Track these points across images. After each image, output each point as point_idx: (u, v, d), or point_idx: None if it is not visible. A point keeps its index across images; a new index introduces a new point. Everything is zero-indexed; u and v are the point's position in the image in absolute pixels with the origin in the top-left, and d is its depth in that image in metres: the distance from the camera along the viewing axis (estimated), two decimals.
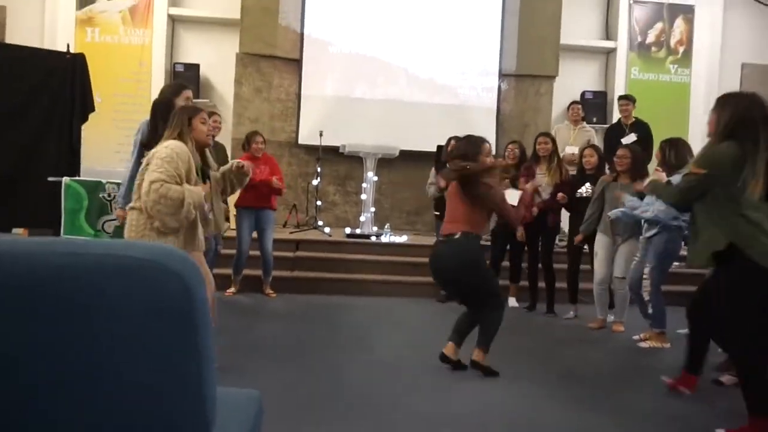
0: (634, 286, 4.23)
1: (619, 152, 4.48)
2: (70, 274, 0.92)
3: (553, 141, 5.08)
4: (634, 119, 6.07)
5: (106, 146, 7.08)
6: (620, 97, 6.36)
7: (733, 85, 8.05)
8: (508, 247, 5.18)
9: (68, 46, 5.50)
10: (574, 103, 6.67)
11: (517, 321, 4.80)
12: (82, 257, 0.93)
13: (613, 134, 6.12)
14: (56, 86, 5.01)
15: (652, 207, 3.88)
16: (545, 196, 4.90)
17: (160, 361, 0.95)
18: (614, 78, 8.11)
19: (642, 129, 5.95)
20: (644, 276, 4.16)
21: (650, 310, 4.10)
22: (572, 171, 5.17)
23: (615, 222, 4.30)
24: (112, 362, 0.92)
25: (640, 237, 4.21)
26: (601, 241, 4.49)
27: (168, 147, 2.67)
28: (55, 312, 0.91)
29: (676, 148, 3.84)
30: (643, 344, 4.09)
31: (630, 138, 5.72)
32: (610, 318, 4.60)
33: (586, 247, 4.80)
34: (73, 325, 0.91)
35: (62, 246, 0.96)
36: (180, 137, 2.76)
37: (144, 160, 2.76)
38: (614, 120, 7.78)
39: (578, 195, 4.76)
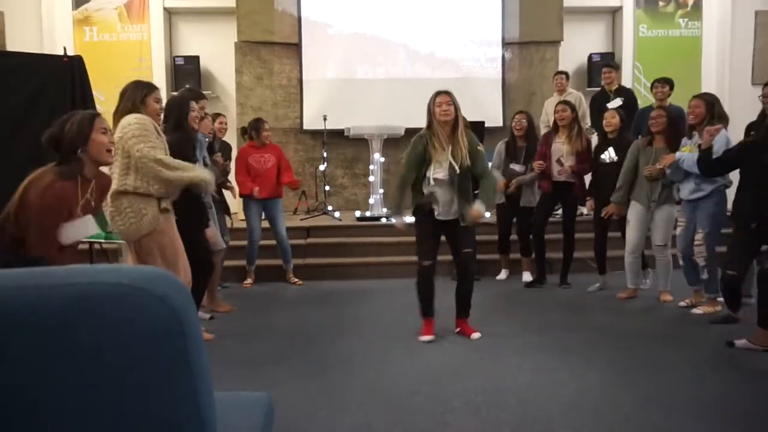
0: (687, 254, 4.04)
1: (653, 113, 4.25)
2: (50, 306, 0.90)
3: (573, 108, 4.90)
4: (617, 86, 6.19)
5: None
6: (604, 65, 6.44)
7: (747, 36, 7.78)
8: (514, 220, 5.12)
9: (65, 49, 5.47)
10: (557, 73, 6.54)
11: (542, 296, 4.76)
12: (64, 288, 0.92)
13: (599, 102, 6.14)
14: (55, 92, 4.96)
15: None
16: (569, 164, 4.71)
17: (152, 387, 0.94)
18: (622, 38, 7.87)
19: (626, 93, 6.11)
20: (696, 242, 3.95)
21: (704, 276, 3.95)
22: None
23: (653, 187, 4.18)
24: (100, 394, 0.91)
25: (680, 201, 4.08)
26: (634, 208, 4.32)
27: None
28: (38, 347, 0.90)
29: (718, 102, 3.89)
30: (696, 310, 4.00)
31: (616, 102, 5.80)
32: (644, 286, 4.59)
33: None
34: (58, 358, 0.90)
35: (42, 277, 0.95)
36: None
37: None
38: (616, 83, 7.69)
39: (601, 161, 4.61)
